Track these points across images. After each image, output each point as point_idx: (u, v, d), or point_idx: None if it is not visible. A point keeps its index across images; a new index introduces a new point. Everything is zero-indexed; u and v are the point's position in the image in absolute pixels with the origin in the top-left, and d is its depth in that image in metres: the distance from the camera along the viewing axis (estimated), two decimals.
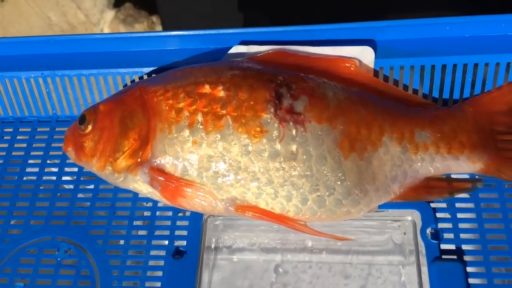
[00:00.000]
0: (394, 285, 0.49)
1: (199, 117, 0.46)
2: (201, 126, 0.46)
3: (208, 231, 0.51)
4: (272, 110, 0.45)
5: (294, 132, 0.45)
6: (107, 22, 1.26)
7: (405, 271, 0.49)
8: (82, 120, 0.49)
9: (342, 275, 0.50)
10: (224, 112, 0.46)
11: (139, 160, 0.47)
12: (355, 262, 0.50)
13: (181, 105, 0.46)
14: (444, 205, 0.48)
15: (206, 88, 0.46)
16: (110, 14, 1.26)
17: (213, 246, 0.52)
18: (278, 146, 0.45)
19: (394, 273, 0.50)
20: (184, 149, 0.46)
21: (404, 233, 0.50)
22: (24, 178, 0.55)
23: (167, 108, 0.46)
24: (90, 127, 0.48)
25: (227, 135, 0.45)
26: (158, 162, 0.46)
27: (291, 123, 0.45)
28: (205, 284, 0.49)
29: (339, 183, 0.45)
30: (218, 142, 0.45)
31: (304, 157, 0.45)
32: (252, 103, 0.45)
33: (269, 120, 0.45)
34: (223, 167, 0.45)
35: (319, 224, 0.48)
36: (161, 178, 0.46)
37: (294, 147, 0.45)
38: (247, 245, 0.52)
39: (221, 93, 0.46)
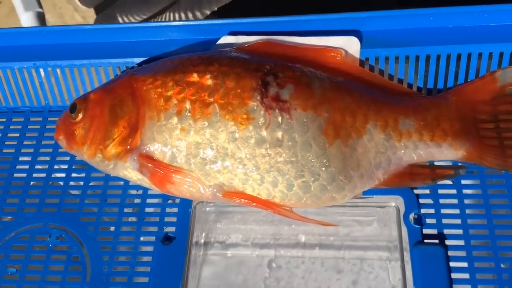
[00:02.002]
0: (385, 280, 0.50)
1: (187, 105, 0.47)
2: (189, 114, 0.47)
3: (200, 223, 0.51)
4: (258, 98, 0.46)
5: (279, 119, 0.46)
6: None
7: (393, 265, 0.50)
8: (73, 108, 0.50)
9: (334, 269, 0.50)
10: (211, 100, 0.46)
11: (128, 147, 0.48)
12: (347, 257, 0.51)
13: (169, 93, 0.47)
14: (427, 191, 0.49)
15: (194, 77, 0.47)
16: None
17: (203, 241, 0.52)
18: (264, 133, 0.46)
19: (384, 268, 0.50)
20: (172, 136, 0.47)
21: (388, 219, 0.51)
22: (17, 167, 0.55)
23: (156, 96, 0.47)
24: (80, 116, 0.49)
25: (215, 122, 0.46)
26: (147, 149, 0.47)
27: (277, 111, 0.46)
28: (194, 270, 0.50)
29: (323, 169, 0.46)
30: (205, 129, 0.46)
31: (290, 143, 0.46)
32: (239, 91, 0.46)
33: (255, 108, 0.46)
34: (211, 153, 0.46)
35: (313, 214, 0.49)
36: (150, 165, 0.47)
37: (279, 134, 0.46)
38: (240, 241, 0.53)
39: (208, 81, 0.47)
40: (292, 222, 0.51)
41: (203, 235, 0.53)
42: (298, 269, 0.51)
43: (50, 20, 1.29)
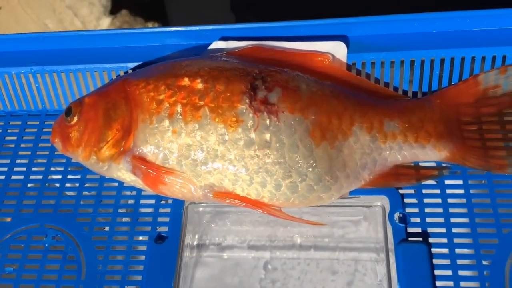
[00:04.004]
0: (373, 278, 0.51)
1: (179, 108, 0.48)
2: (180, 117, 0.48)
3: (193, 223, 0.53)
4: (247, 101, 0.48)
5: (268, 121, 0.47)
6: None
7: (380, 263, 0.51)
8: (68, 112, 0.51)
9: (329, 271, 0.52)
10: (202, 103, 0.48)
11: (122, 149, 0.49)
12: (342, 258, 0.52)
13: (161, 97, 0.49)
14: (411, 191, 0.50)
15: (185, 81, 0.49)
16: (106, 21, 1.27)
17: (196, 242, 0.54)
18: (252, 135, 0.47)
19: (373, 266, 0.51)
20: (164, 138, 0.48)
21: (374, 218, 0.52)
22: (14, 169, 0.57)
23: (148, 99, 0.49)
24: (75, 119, 0.51)
25: (205, 125, 0.48)
26: (140, 151, 0.49)
27: (265, 113, 0.47)
28: (186, 269, 0.51)
29: (310, 169, 0.47)
30: (196, 131, 0.48)
31: (277, 145, 0.47)
32: (228, 94, 0.48)
33: (244, 111, 0.47)
34: (201, 155, 0.48)
35: (308, 214, 0.50)
36: (143, 166, 0.48)
37: (268, 136, 0.47)
38: (236, 242, 0.54)
39: (199, 85, 0.48)
40: (288, 224, 0.52)
41: (197, 236, 0.54)
42: (294, 271, 0.52)
43: (50, 25, 1.29)
